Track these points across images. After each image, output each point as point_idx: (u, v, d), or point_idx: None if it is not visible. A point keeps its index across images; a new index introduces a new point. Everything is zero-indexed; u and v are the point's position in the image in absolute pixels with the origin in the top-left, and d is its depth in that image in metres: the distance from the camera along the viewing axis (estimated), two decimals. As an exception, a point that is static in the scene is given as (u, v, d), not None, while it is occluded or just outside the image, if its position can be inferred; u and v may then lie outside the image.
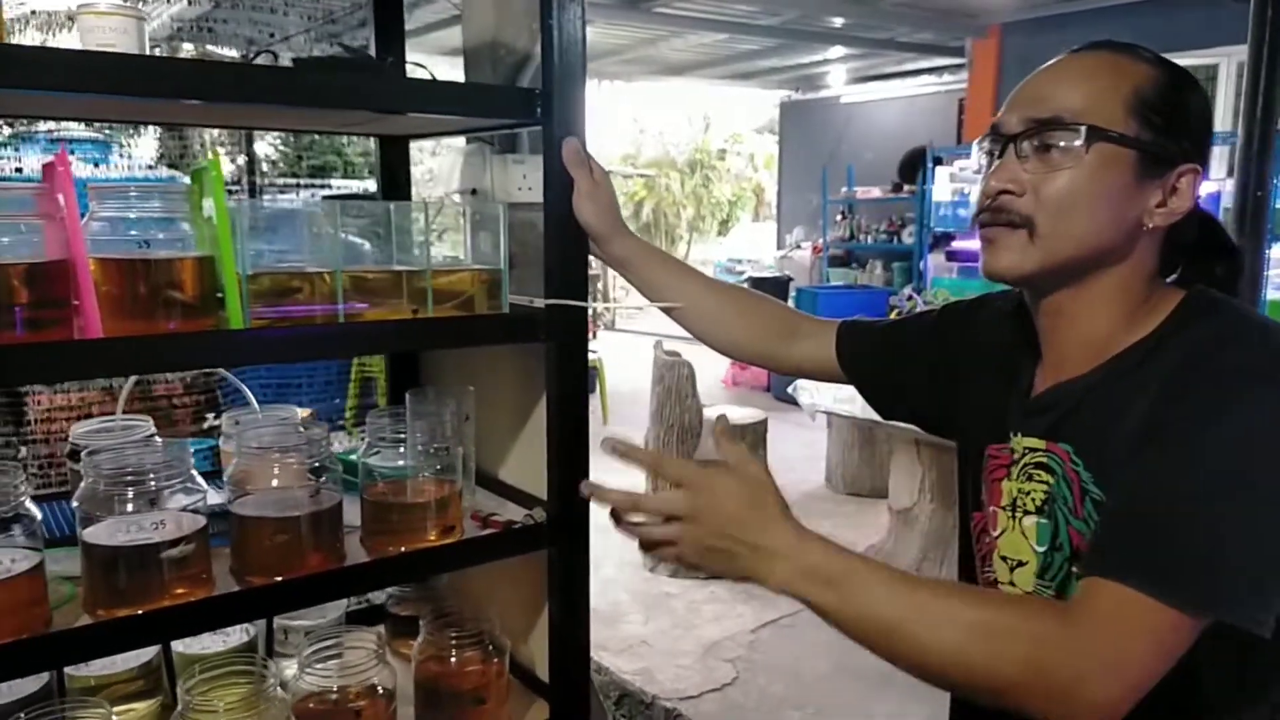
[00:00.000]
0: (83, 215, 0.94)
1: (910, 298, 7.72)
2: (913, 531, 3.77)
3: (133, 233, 0.96)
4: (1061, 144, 0.86)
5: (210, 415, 3.20)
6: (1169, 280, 0.94)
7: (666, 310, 1.25)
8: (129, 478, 0.98)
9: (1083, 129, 0.85)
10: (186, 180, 1.43)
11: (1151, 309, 0.90)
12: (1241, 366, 0.78)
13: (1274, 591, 0.74)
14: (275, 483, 1.08)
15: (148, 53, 0.98)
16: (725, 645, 3.18)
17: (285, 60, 1.18)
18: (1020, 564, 0.96)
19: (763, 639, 3.23)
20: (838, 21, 8.42)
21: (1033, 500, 0.94)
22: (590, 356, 5.68)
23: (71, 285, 0.91)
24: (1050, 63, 0.92)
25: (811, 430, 5.41)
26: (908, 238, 8.44)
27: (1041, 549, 0.93)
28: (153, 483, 0.99)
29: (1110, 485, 0.85)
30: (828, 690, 2.89)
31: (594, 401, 6.58)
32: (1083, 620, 0.74)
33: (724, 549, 0.83)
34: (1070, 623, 0.74)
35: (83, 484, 0.99)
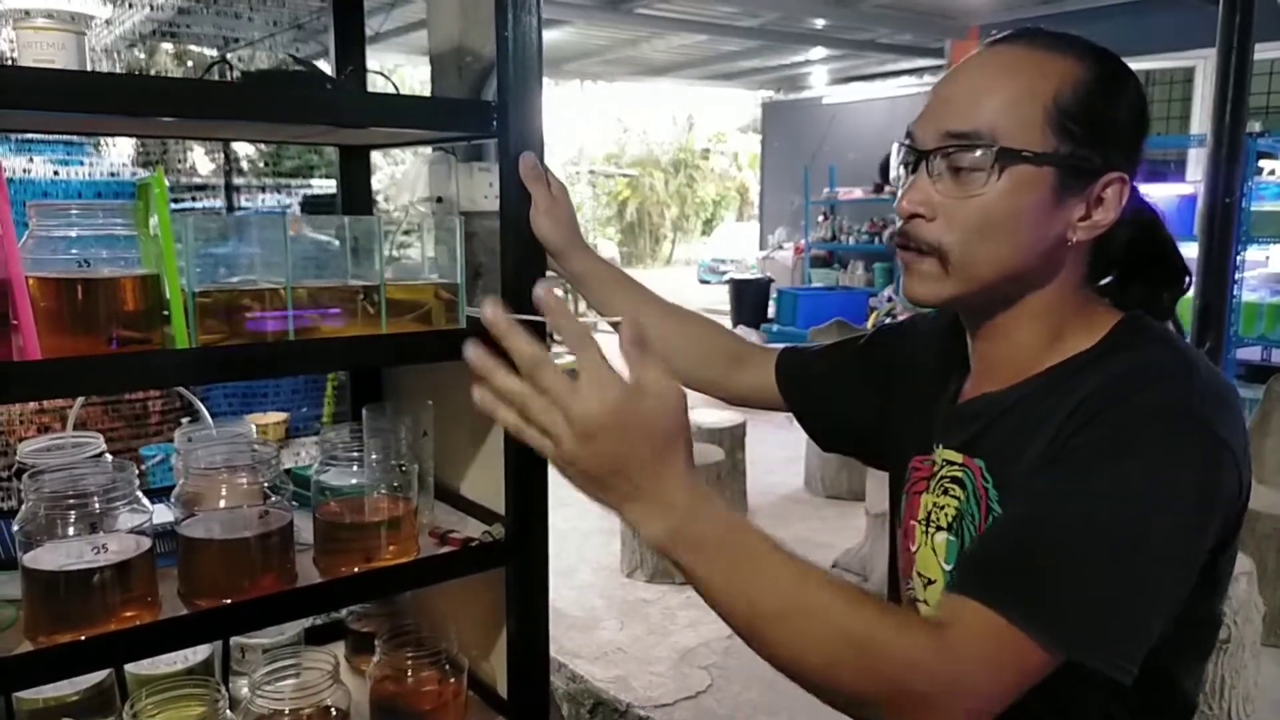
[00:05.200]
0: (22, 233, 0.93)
1: (890, 299, 7.76)
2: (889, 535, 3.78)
3: (73, 251, 0.94)
4: (973, 166, 0.81)
5: (186, 420, 3.17)
6: (1105, 282, 0.91)
7: (615, 325, 1.24)
8: (71, 500, 0.96)
9: (994, 151, 0.80)
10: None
11: (1084, 325, 0.86)
12: (1153, 409, 0.75)
13: (1144, 639, 0.72)
14: (223, 503, 1.06)
15: (88, 68, 0.96)
16: (700, 652, 3.17)
17: (252, 66, 1.17)
18: (931, 582, 0.94)
19: (738, 645, 3.19)
20: (818, 23, 8.45)
21: (945, 515, 0.92)
22: (572, 359, 5.70)
23: (9, 305, 0.89)
24: (967, 59, 0.87)
25: (790, 433, 5.40)
26: (889, 238, 8.48)
27: (949, 567, 0.91)
28: (96, 505, 0.97)
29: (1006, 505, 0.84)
30: (801, 697, 2.88)
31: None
32: (954, 645, 0.70)
33: (609, 483, 0.70)
34: (942, 647, 0.70)
35: (24, 507, 0.97)
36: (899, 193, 0.88)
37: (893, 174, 0.91)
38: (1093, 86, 0.81)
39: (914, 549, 0.97)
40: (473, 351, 0.72)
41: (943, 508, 0.92)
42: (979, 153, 0.81)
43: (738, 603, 0.72)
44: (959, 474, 0.91)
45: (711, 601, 0.73)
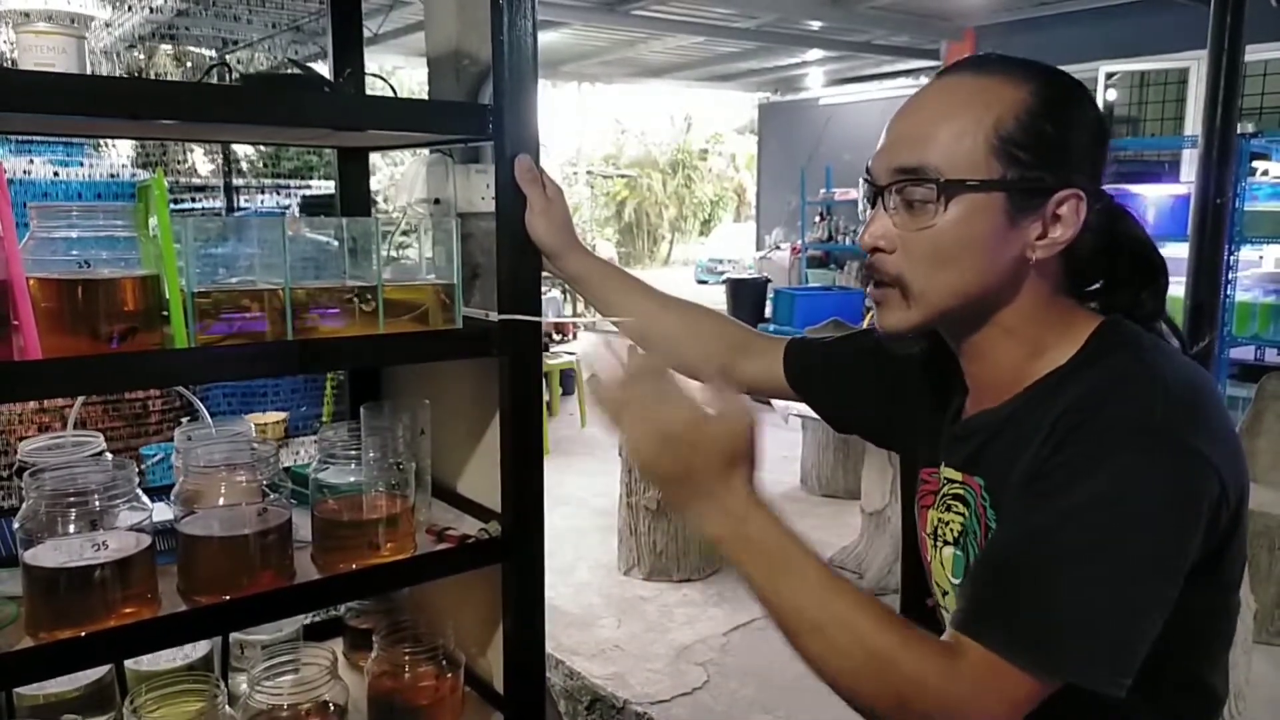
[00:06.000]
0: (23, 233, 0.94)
1: (887, 299, 7.75)
2: (884, 533, 3.79)
3: (73, 252, 0.95)
4: (923, 198, 0.84)
5: (186, 419, 3.18)
6: (1091, 288, 0.92)
7: (617, 324, 1.25)
8: (71, 498, 0.97)
9: (939, 183, 0.83)
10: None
11: (1065, 332, 0.87)
12: (1117, 425, 0.77)
13: (1133, 653, 0.74)
14: (222, 500, 1.07)
15: (88, 71, 0.98)
16: (697, 649, 3.19)
17: (251, 67, 1.18)
18: (946, 593, 0.97)
19: (734, 642, 3.24)
20: (815, 24, 8.47)
21: (951, 531, 0.94)
22: (569, 359, 5.65)
23: (10, 305, 0.90)
24: (918, 92, 0.90)
25: (787, 431, 5.42)
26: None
27: (956, 581, 0.94)
28: (96, 502, 0.99)
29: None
30: (798, 694, 2.90)
31: (573, 405, 6.57)
32: (959, 672, 0.75)
33: (680, 482, 0.81)
34: (948, 672, 0.75)
35: (25, 504, 0.99)
36: (861, 227, 0.91)
37: (860, 207, 0.94)
38: (1038, 110, 0.83)
39: (929, 560, 1.00)
40: (585, 367, 0.86)
41: (948, 523, 0.95)
42: (925, 186, 0.84)
43: (778, 603, 0.79)
44: (960, 491, 0.93)
45: (757, 598, 0.80)
